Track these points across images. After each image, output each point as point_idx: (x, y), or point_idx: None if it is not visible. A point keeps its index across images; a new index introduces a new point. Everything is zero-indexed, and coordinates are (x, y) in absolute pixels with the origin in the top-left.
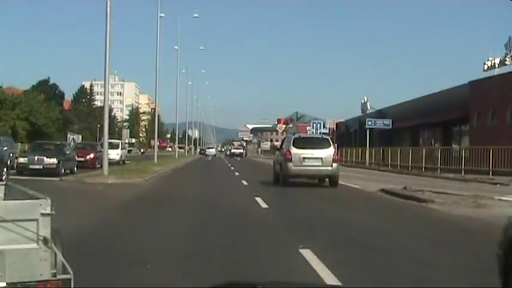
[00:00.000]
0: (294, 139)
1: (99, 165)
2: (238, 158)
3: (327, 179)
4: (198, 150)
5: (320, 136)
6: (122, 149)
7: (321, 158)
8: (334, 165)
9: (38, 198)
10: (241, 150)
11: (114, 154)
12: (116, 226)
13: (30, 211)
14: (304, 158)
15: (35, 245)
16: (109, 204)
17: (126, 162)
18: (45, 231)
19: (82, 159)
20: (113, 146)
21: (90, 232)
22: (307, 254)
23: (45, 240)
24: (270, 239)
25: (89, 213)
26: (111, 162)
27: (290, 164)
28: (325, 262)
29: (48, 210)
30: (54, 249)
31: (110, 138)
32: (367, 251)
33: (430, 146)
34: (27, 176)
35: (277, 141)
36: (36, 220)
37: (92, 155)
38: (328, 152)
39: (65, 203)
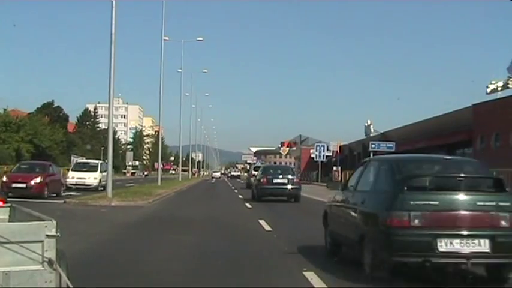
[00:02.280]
0: (254, 167)
1: (53, 194)
2: (242, 181)
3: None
4: (208, 173)
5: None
6: (101, 171)
7: None
8: None
9: (43, 220)
10: (238, 173)
11: (92, 178)
12: (119, 249)
13: (36, 233)
14: (254, 175)
15: (40, 267)
16: (113, 227)
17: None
18: (51, 253)
19: (23, 185)
20: (89, 168)
21: (94, 255)
22: (311, 277)
23: (50, 262)
24: (273, 261)
25: (93, 236)
26: (88, 189)
27: (252, 178)
28: (330, 285)
29: (53, 232)
30: (59, 271)
31: (92, 159)
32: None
33: None
34: None
35: (275, 163)
36: (42, 242)
37: (38, 180)
38: None
39: (69, 225)
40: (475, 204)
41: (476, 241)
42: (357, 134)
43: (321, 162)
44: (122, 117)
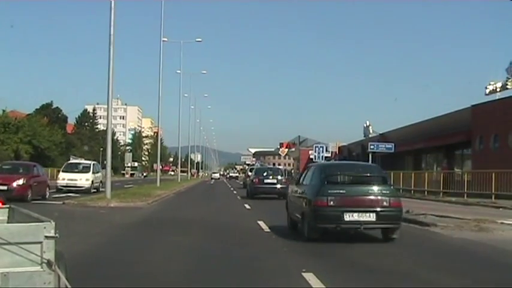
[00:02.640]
0: (250, 168)
1: (38, 197)
2: (240, 182)
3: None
4: (207, 174)
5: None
6: (94, 172)
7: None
8: None
9: (42, 221)
10: (237, 174)
11: (83, 180)
12: (118, 250)
13: (35, 234)
14: (250, 175)
15: (39, 268)
16: (112, 228)
17: (101, 189)
18: (49, 254)
19: (4, 187)
20: (81, 169)
21: (93, 256)
22: (310, 278)
23: (49, 263)
24: (272, 262)
25: (92, 237)
26: (80, 191)
27: (248, 179)
28: (329, 286)
29: (52, 233)
30: (58, 272)
31: (87, 160)
32: (371, 274)
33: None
34: None
35: (274, 164)
36: (41, 243)
37: (20, 181)
38: None
39: (67, 226)
40: (368, 192)
41: (367, 214)
42: (355, 135)
43: None
44: (120, 118)
